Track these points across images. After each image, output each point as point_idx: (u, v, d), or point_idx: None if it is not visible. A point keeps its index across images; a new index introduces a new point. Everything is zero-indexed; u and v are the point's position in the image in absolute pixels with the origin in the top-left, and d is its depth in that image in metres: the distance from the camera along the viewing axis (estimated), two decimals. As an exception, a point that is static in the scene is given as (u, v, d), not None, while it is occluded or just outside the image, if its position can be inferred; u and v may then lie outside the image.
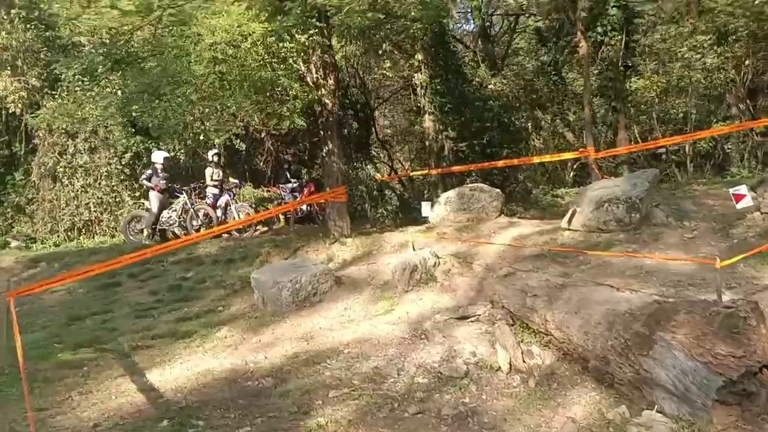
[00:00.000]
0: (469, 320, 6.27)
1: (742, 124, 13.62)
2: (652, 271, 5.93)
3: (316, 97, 9.88)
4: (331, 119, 10.27)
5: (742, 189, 6.49)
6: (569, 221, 8.09)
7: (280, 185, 14.54)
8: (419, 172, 13.52)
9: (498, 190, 10.84)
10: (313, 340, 6.87)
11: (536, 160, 12.29)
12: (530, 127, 14.19)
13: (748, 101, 17.09)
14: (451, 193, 10.75)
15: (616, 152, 11.75)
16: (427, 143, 13.33)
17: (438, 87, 13.25)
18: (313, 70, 9.92)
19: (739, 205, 6.56)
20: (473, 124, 13.92)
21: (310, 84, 9.82)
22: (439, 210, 10.81)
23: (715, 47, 14.81)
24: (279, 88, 8.45)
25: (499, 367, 5.24)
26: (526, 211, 12.37)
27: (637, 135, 14.51)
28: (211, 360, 6.54)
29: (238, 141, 8.15)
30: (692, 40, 14.62)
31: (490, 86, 14.55)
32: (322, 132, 10.31)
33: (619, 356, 4.10)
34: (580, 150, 11.66)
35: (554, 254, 7.27)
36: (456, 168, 13.06)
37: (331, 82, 10.14)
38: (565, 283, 5.60)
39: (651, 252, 6.68)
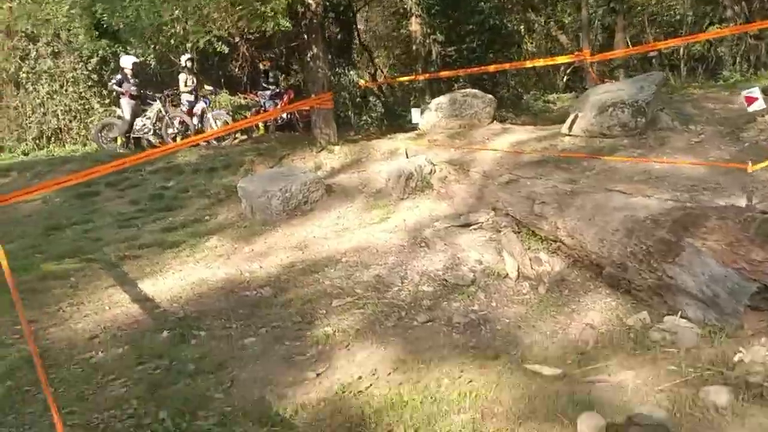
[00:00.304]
0: (471, 228, 6.14)
1: (737, 27, 13.26)
2: (662, 176, 5.80)
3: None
4: (315, 21, 9.66)
5: (755, 91, 6.28)
6: (570, 127, 7.86)
7: (258, 92, 13.94)
8: (406, 78, 13.02)
9: (490, 96, 10.52)
10: (308, 249, 6.71)
11: (529, 64, 11.87)
12: (522, 30, 13.63)
13: (743, 3, 16.65)
14: (443, 99, 10.40)
15: (613, 55, 11.40)
16: (413, 48, 12.77)
17: (426, -13, 12.59)
18: (296, -36, 9.19)
19: (751, 108, 6.37)
20: (462, 28, 13.32)
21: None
22: (429, 116, 10.48)
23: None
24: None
25: (507, 274, 5.15)
26: (517, 117, 12.10)
27: (628, 39, 14.10)
28: (204, 270, 6.35)
29: (220, 44, 7.55)
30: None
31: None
32: (305, 36, 9.72)
33: (639, 263, 4.01)
34: (576, 53, 11.26)
35: (557, 160, 7.09)
36: (444, 73, 12.58)
37: (314, -21, 9.47)
38: (574, 189, 5.45)
39: (658, 156, 6.53)
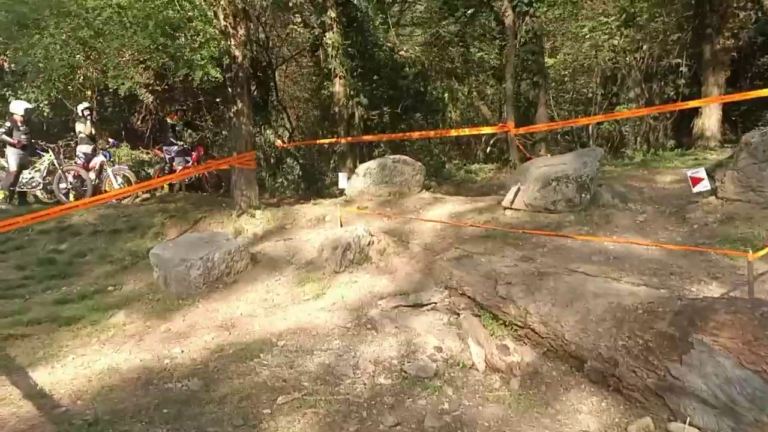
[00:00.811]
0: (424, 309, 5.71)
1: (640, 109, 14.13)
2: (620, 257, 5.68)
3: (225, 48, 8.73)
4: (241, 75, 9.16)
5: (701, 172, 6.43)
6: (512, 200, 7.74)
7: (164, 147, 13.05)
8: (327, 140, 12.69)
9: (419, 163, 10.35)
10: (236, 329, 6.00)
11: (454, 133, 11.92)
12: (446, 98, 13.82)
13: (643, 85, 17.95)
14: (372, 165, 10.10)
15: (536, 129, 11.68)
16: (336, 109, 12.51)
17: (349, 49, 12.44)
18: (221, 17, 8.72)
19: (696, 189, 6.51)
20: (386, 92, 13.30)
21: (218, 32, 8.61)
22: (357, 182, 10.12)
23: (622, 29, 15.25)
24: (190, 32, 7.26)
25: (473, 365, 4.74)
26: (439, 186, 12.00)
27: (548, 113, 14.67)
28: (113, 354, 5.47)
29: (145, 92, 6.85)
30: (599, 21, 14.95)
31: (401, 52, 13.95)
32: (230, 89, 9.17)
33: (634, 359, 3.72)
34: (501, 125, 11.44)
35: (505, 235, 6.87)
36: (368, 137, 12.38)
37: (241, 32, 9.02)
38: (540, 270, 5.17)
39: (607, 235, 6.47)
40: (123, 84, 6.37)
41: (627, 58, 16.03)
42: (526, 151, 11.90)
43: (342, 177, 10.40)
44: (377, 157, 14.00)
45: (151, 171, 14.86)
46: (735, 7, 16.14)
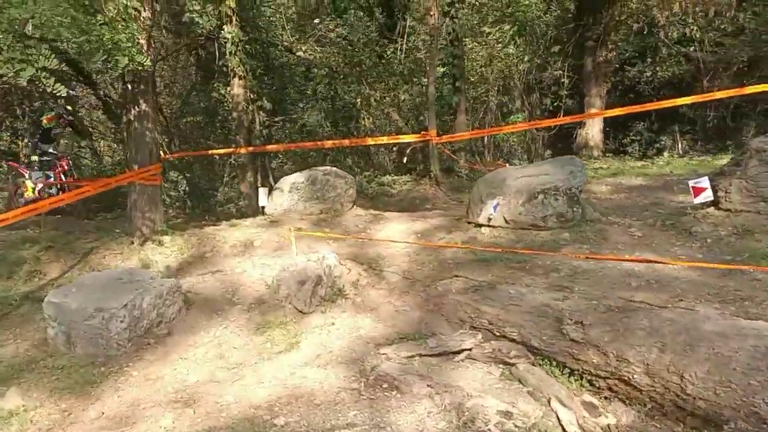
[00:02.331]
0: (455, 359, 4.61)
1: (538, 121, 14.16)
2: (658, 280, 5.01)
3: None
4: (140, 69, 7.43)
5: (704, 182, 6.04)
6: (489, 217, 6.90)
7: (32, 156, 10.37)
8: (222, 150, 11.03)
9: (350, 176, 9.22)
10: (200, 404, 4.51)
11: (371, 141, 10.89)
12: (359, 103, 12.70)
13: (523, 96, 18.25)
14: (299, 178, 8.78)
15: (459, 137, 11.03)
16: (234, 114, 10.93)
17: (247, 47, 10.97)
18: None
19: (698, 200, 6.12)
20: (288, 95, 11.95)
21: (112, 15, 6.83)
22: (281, 199, 8.76)
23: (516, 38, 15.25)
24: (110, 8, 5.55)
25: (565, 435, 3.73)
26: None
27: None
28: (30, 467, 3.76)
29: (53, 82, 5.00)
30: (496, 29, 14.83)
31: (299, 53, 12.65)
32: (129, 86, 7.39)
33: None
34: (423, 133, 10.63)
35: (505, 257, 5.99)
36: (273, 147, 10.95)
37: (146, 14, 7.32)
38: (613, 305, 4.32)
39: (613, 253, 5.83)
40: (23, 70, 4.58)
41: (518, 68, 16.11)
42: (450, 160, 11.25)
43: (262, 193, 8.96)
44: (275, 170, 12.64)
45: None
46: (617, 21, 16.88)
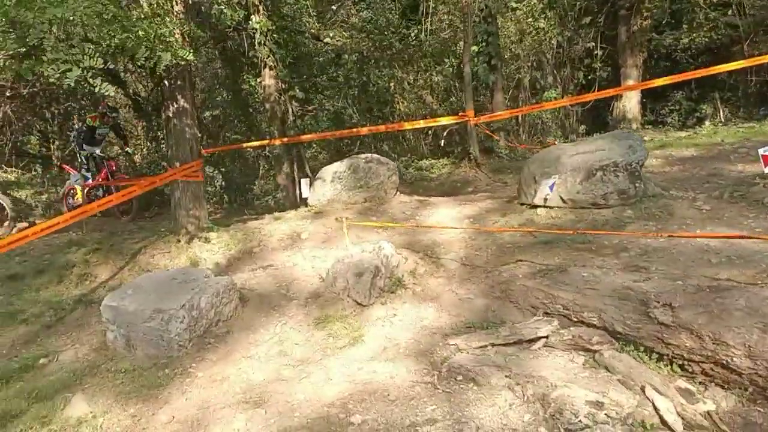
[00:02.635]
0: (531, 347, 4.42)
1: (576, 97, 13.78)
2: (741, 256, 4.73)
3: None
4: (181, 63, 7.33)
5: (775, 150, 5.74)
6: (545, 197, 6.67)
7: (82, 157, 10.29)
8: (257, 143, 10.91)
9: (393, 162, 9.04)
10: (270, 403, 4.40)
11: (408, 126, 10.67)
12: (393, 87, 12.47)
13: (555, 71, 17.83)
14: (340, 167, 8.61)
15: (498, 117, 10.74)
16: (267, 106, 10.80)
17: (276, 36, 10.80)
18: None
19: (768, 168, 5.82)
20: (319, 84, 11.78)
21: (147, 10, 6.71)
22: (324, 189, 8.60)
23: (547, 11, 14.86)
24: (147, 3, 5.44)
25: (664, 424, 3.52)
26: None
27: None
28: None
29: (100, 82, 4.90)
30: (524, 3, 14.45)
31: (326, 39, 12.47)
32: (167, 82, 7.29)
33: None
34: (461, 114, 10.37)
35: (568, 239, 5.77)
36: (308, 137, 10.78)
37: (179, 7, 7.20)
38: (712, 285, 4.08)
39: (683, 229, 5.56)
40: (69, 71, 4.46)
41: (549, 42, 15.70)
42: (489, 140, 10.98)
43: (304, 184, 8.83)
44: (309, 161, 12.50)
45: (26, 194, 12.25)
46: (649, -14, 16.37)
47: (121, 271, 7.02)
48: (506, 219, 6.89)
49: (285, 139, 10.66)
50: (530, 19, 14.66)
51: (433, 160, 11.89)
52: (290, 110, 11.02)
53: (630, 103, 17.17)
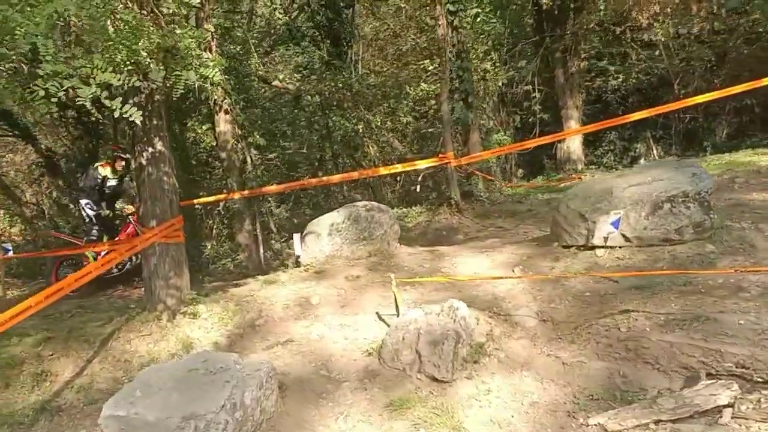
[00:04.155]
0: (717, 420, 3.52)
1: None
2: None
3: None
4: (157, 97, 6.08)
5: None
6: (605, 237, 5.92)
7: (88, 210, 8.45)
8: (213, 198, 9.52)
9: (391, 209, 8.07)
10: None
11: (384, 171, 9.72)
12: (361, 130, 11.45)
13: (493, 115, 17.73)
14: (337, 217, 7.52)
15: (479, 158, 10.09)
16: (223, 155, 9.53)
17: (227, 77, 9.64)
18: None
19: None
20: (278, 127, 10.64)
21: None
22: (320, 245, 7.44)
23: (491, 52, 14.70)
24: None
25: None
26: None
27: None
28: None
29: (119, 103, 3.65)
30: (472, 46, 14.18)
31: (275, 82, 11.40)
32: (140, 122, 5.96)
33: None
34: (440, 155, 9.63)
35: (666, 282, 5.02)
36: (274, 188, 9.57)
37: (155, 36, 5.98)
38: None
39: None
40: (81, 89, 3.20)
41: (496, 84, 15.52)
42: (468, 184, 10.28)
43: (296, 240, 7.61)
44: (271, 214, 11.23)
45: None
46: (586, 29, 16.67)
47: (90, 365, 5.48)
48: (563, 264, 6.05)
49: (246, 192, 9.40)
50: (476, 61, 14.37)
51: (405, 209, 11.00)
52: (249, 159, 9.80)
53: (573, 144, 17.27)
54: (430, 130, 13.07)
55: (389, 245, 7.67)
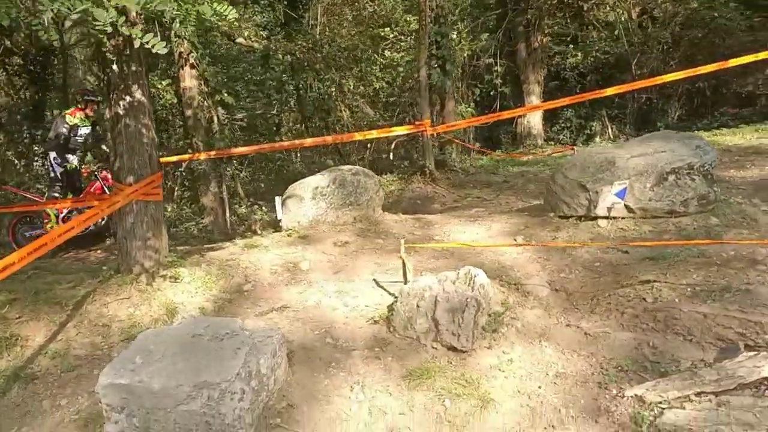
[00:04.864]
0: (764, 392, 3.45)
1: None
2: None
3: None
4: (134, 44, 5.55)
5: None
6: (609, 208, 5.83)
7: (60, 159, 7.74)
8: (176, 158, 8.91)
9: (376, 175, 7.80)
10: None
11: (359, 136, 9.32)
12: (334, 93, 10.95)
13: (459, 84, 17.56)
14: (322, 181, 7.18)
15: (456, 126, 9.87)
16: (188, 112, 8.94)
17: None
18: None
19: None
20: (247, 87, 10.07)
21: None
22: (303, 209, 7.10)
23: (459, 23, 14.43)
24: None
25: None
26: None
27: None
28: None
29: (139, 31, 3.16)
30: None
31: (239, 39, 10.80)
32: (116, 67, 5.43)
33: None
34: (417, 123, 9.37)
35: (680, 253, 4.95)
36: (242, 149, 9.09)
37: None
38: None
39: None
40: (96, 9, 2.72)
41: (462, 55, 15.31)
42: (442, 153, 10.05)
43: (278, 203, 7.23)
44: (235, 177, 10.71)
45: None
46: (550, 4, 16.64)
47: (64, 330, 5.00)
48: (565, 234, 5.94)
49: (213, 153, 8.89)
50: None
51: (377, 177, 10.70)
52: (216, 118, 9.26)
53: (534, 119, 17.37)
54: (401, 97, 12.73)
55: (374, 212, 7.41)
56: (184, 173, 10.65)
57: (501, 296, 4.86)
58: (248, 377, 3.65)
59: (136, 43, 3.74)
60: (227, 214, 9.33)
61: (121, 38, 5.42)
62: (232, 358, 3.71)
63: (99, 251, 8.25)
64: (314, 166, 10.34)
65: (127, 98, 5.56)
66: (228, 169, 9.99)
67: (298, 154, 11.43)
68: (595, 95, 9.79)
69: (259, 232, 8.24)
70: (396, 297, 5.05)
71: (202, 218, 9.44)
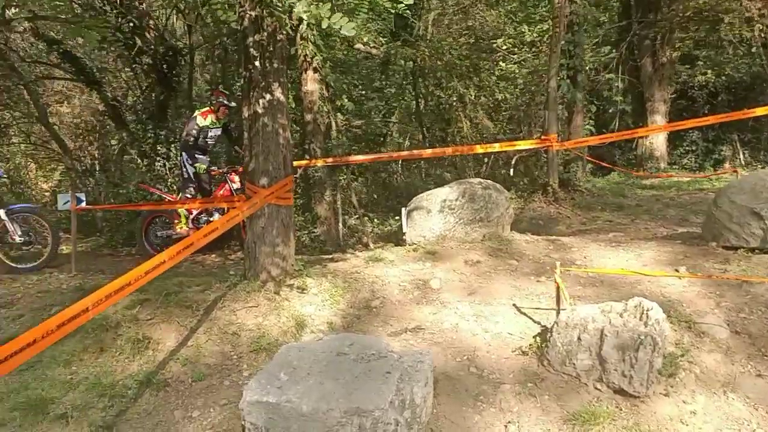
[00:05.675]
0: None
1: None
2: None
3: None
4: (280, 36, 5.47)
5: None
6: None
7: (188, 166, 7.86)
8: (303, 162, 8.86)
9: (506, 191, 7.42)
10: None
11: (480, 149, 9.03)
12: (455, 104, 10.75)
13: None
14: (450, 193, 6.88)
15: (584, 143, 9.39)
16: (308, 117, 8.92)
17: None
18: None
19: None
20: (366, 94, 10.01)
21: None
22: (429, 223, 6.82)
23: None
24: None
25: None
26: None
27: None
28: None
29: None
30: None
31: (358, 45, 10.74)
32: (258, 63, 5.36)
33: None
34: (542, 138, 8.93)
35: None
36: (360, 158, 8.96)
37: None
38: None
39: None
40: None
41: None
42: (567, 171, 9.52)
43: (404, 214, 6.99)
44: (350, 186, 10.58)
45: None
46: (682, 17, 15.66)
47: (194, 335, 4.91)
48: (736, 267, 5.34)
49: (330, 160, 8.78)
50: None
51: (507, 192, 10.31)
52: (335, 124, 9.17)
53: (658, 140, 16.38)
54: (518, 110, 12.24)
55: (503, 230, 7.03)
56: (298, 180, 10.65)
57: (674, 335, 4.36)
58: (401, 407, 3.37)
59: (324, 24, 3.54)
60: (340, 225, 9.19)
61: (265, 33, 5.37)
62: (383, 383, 3.43)
63: (214, 255, 8.31)
64: (429, 179, 10.07)
65: (267, 96, 5.46)
66: (342, 177, 9.87)
67: (410, 166, 11.18)
68: (745, 115, 9.07)
69: (370, 245, 8.05)
70: (544, 326, 4.68)
71: (315, 227, 9.34)
